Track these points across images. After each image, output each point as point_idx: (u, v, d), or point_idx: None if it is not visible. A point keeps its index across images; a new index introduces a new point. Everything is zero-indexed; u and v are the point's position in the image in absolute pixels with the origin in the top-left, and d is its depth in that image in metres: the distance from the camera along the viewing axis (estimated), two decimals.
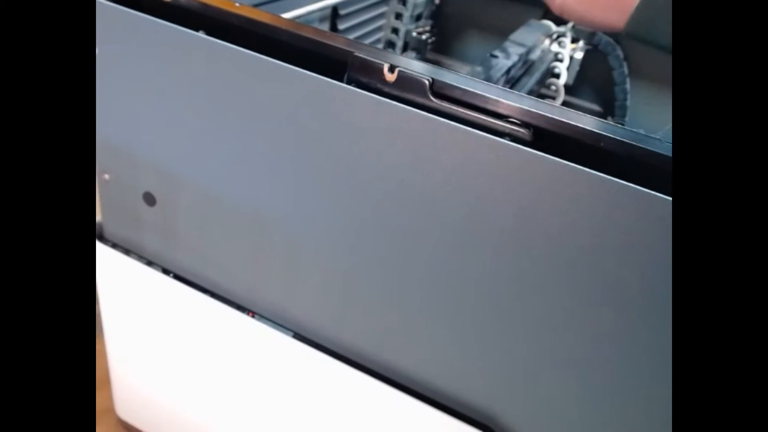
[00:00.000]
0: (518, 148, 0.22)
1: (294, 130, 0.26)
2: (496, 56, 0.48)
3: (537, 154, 0.22)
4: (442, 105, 0.23)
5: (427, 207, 0.24)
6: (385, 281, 0.27)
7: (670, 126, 0.22)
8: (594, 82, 0.74)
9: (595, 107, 0.76)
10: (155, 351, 0.39)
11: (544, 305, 0.24)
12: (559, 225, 0.22)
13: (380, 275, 0.27)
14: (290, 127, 0.26)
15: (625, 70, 0.63)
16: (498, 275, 0.24)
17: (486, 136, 0.22)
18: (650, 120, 0.72)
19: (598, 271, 0.23)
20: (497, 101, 0.22)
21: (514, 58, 0.48)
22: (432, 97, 0.23)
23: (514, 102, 0.22)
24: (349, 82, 0.24)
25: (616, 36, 0.58)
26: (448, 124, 0.23)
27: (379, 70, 0.23)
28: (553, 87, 0.45)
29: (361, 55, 0.24)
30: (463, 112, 0.23)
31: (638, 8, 0.30)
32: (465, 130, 0.22)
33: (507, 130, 0.22)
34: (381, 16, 0.62)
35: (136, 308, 0.37)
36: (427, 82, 0.23)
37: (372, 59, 0.23)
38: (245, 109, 0.26)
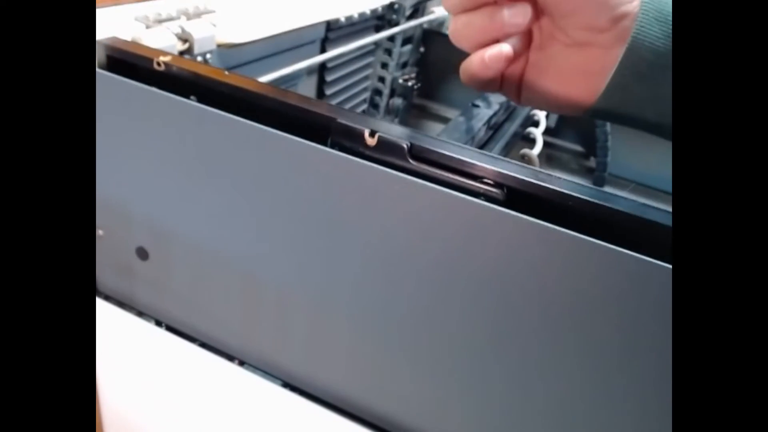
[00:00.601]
0: (491, 207, 0.23)
1: (280, 190, 0.27)
2: (477, 105, 0.50)
3: (509, 213, 0.23)
4: (420, 167, 0.24)
5: (407, 262, 0.25)
6: (368, 331, 0.28)
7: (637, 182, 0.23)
8: (576, 123, 0.76)
9: (578, 147, 0.78)
10: (148, 401, 0.39)
11: (518, 354, 0.25)
12: (532, 280, 0.24)
13: (363, 325, 0.28)
14: (277, 187, 0.27)
15: None
16: (476, 328, 0.26)
17: (461, 197, 0.24)
18: (630, 160, 0.74)
19: (570, 324, 0.24)
20: (471, 164, 0.24)
21: (495, 106, 0.50)
22: (410, 160, 0.24)
23: (487, 164, 0.24)
24: (332, 146, 0.25)
25: None
26: (426, 185, 0.24)
27: (360, 135, 0.25)
28: (531, 135, 0.46)
29: (342, 121, 0.25)
30: (440, 174, 0.24)
31: (607, 90, 0.30)
32: (441, 190, 0.24)
33: (481, 191, 0.24)
34: (368, 66, 0.64)
35: (128, 359, 0.38)
36: (405, 146, 0.24)
37: (353, 125, 0.25)
38: (234, 170, 0.28)
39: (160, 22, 0.36)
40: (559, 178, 0.24)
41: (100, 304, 0.36)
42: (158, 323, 0.36)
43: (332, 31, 0.52)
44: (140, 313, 0.36)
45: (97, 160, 0.32)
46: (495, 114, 0.50)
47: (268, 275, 0.30)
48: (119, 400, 0.41)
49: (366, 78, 0.65)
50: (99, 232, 0.34)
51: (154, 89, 0.28)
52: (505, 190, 0.24)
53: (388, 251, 0.26)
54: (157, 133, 0.29)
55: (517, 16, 0.30)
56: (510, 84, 0.33)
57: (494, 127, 0.52)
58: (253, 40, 0.41)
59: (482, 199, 0.24)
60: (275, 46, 0.45)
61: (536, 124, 0.48)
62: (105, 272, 0.36)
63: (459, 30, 0.31)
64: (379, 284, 0.27)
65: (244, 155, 0.27)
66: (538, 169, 0.24)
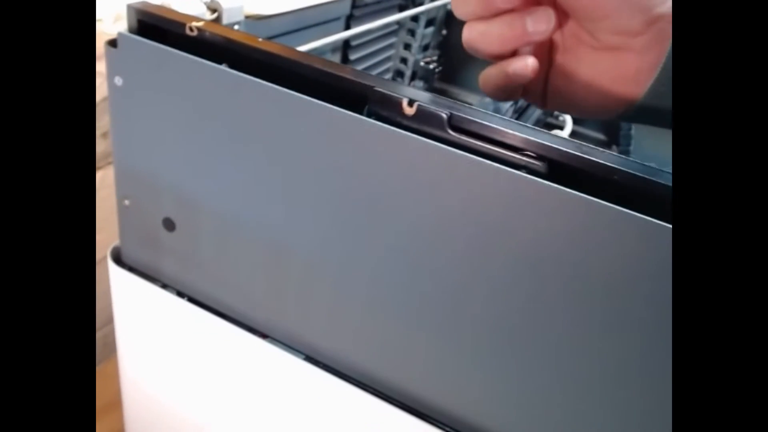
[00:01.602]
0: (533, 180, 0.23)
1: (313, 159, 0.26)
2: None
3: (552, 186, 0.22)
4: (459, 138, 0.24)
5: (442, 236, 0.25)
6: (397, 306, 0.28)
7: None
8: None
9: (600, 136, 0.77)
10: (168, 374, 0.39)
11: (557, 332, 0.25)
12: (574, 255, 0.23)
13: (393, 300, 0.28)
14: (309, 156, 0.26)
15: None
16: (512, 304, 0.25)
17: (502, 168, 0.23)
18: (654, 149, 0.73)
19: (612, 302, 0.23)
20: (513, 135, 0.23)
21: None
22: (450, 131, 0.24)
23: (529, 135, 0.23)
24: (368, 115, 0.25)
25: None
26: (465, 156, 0.23)
27: (398, 104, 0.24)
28: (561, 117, 0.46)
29: (380, 90, 0.25)
30: (480, 145, 0.24)
31: (648, 95, 0.27)
32: (481, 162, 0.23)
33: (523, 163, 0.23)
34: (390, 46, 0.64)
35: (150, 331, 0.38)
36: (444, 116, 0.24)
37: (391, 93, 0.24)
38: (266, 139, 0.27)
39: None
40: (604, 151, 0.23)
41: (124, 276, 0.36)
42: (180, 295, 0.35)
43: (357, 8, 0.52)
44: (164, 285, 0.36)
45: (120, 128, 0.31)
46: None
47: (297, 247, 0.29)
48: (140, 373, 0.41)
49: (388, 59, 0.64)
50: (125, 202, 0.33)
51: (185, 54, 0.27)
52: (548, 163, 0.23)
53: (423, 224, 0.25)
54: (187, 99, 0.28)
55: (540, 23, 0.28)
56: (534, 90, 0.31)
57: (519, 111, 0.51)
58: (281, 13, 0.40)
59: (524, 172, 0.23)
60: (301, 21, 0.44)
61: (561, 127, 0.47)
62: (130, 244, 0.35)
63: (475, 39, 0.29)
64: (412, 258, 0.26)
65: (276, 123, 0.26)
66: (580, 142, 0.24)
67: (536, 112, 0.52)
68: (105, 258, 0.64)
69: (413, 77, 0.68)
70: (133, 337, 0.39)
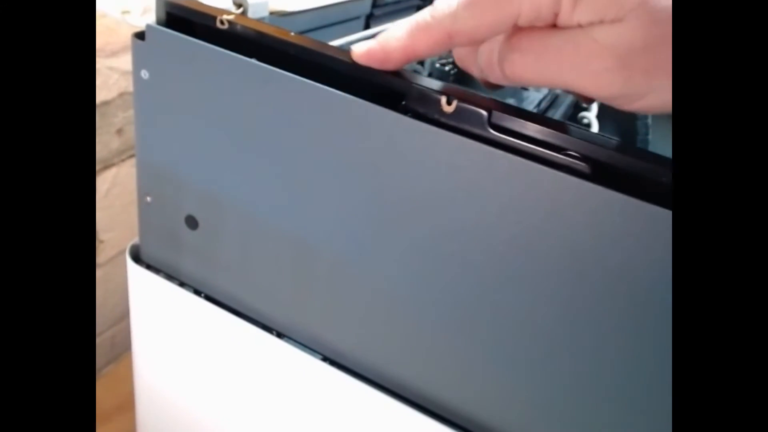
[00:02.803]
0: (576, 180, 0.22)
1: (346, 156, 0.26)
2: (526, 88, 0.49)
3: (595, 187, 0.22)
4: (499, 137, 0.23)
5: (480, 237, 0.24)
6: (430, 308, 0.27)
7: None
8: (615, 116, 0.74)
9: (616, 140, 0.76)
10: (183, 374, 0.39)
11: (597, 337, 0.24)
12: (617, 256, 0.22)
13: (426, 302, 0.27)
14: (342, 153, 0.26)
15: None
16: (551, 306, 0.24)
17: (544, 169, 0.22)
18: (670, 154, 0.72)
19: (657, 306, 0.22)
20: (555, 134, 0.23)
21: (544, 91, 0.48)
22: (490, 129, 0.23)
23: (572, 135, 0.22)
24: (405, 112, 0.24)
25: None
26: (506, 156, 0.23)
27: (437, 101, 0.24)
28: (585, 120, 0.45)
29: (418, 86, 0.24)
30: (521, 144, 0.23)
31: None
32: (523, 162, 0.23)
33: (565, 163, 0.23)
34: None
35: (167, 330, 0.37)
36: (484, 114, 0.23)
37: (429, 90, 0.24)
38: (296, 135, 0.26)
39: None
40: (648, 151, 0.23)
41: (142, 274, 0.35)
42: (197, 292, 0.34)
43: (378, 8, 0.51)
44: (182, 284, 0.35)
45: (142, 122, 0.31)
46: (544, 98, 0.48)
47: (325, 247, 0.28)
48: (154, 373, 0.40)
49: None
50: (147, 199, 0.33)
51: (216, 47, 0.26)
52: (591, 163, 0.22)
53: (459, 224, 0.24)
54: (216, 94, 0.28)
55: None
56: None
57: (542, 112, 0.50)
58: (304, 10, 0.40)
59: (566, 172, 0.22)
60: (323, 18, 0.44)
61: (586, 108, 0.46)
62: (149, 241, 0.35)
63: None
64: (447, 259, 0.25)
65: (308, 119, 0.26)
66: (624, 143, 0.23)
67: (556, 114, 0.51)
68: (116, 256, 0.64)
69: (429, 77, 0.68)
70: (150, 337, 0.38)
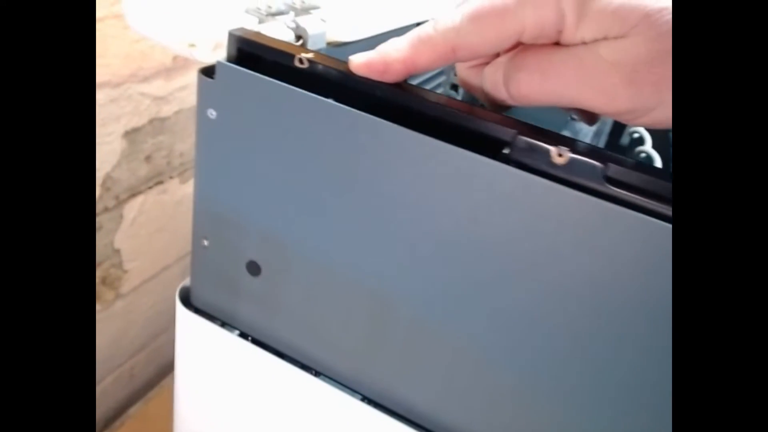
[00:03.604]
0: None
1: (436, 207, 0.24)
2: (575, 119, 0.47)
3: None
4: (616, 191, 0.21)
5: (595, 300, 0.22)
6: (527, 374, 0.25)
7: None
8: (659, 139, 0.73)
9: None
10: (228, 420, 0.36)
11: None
12: None
13: (525, 369, 0.25)
14: (433, 204, 0.24)
15: None
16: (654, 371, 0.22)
17: (666, 225, 0.21)
18: None
19: None
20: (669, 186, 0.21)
21: (597, 123, 0.47)
22: (606, 183, 0.21)
23: None
24: (508, 162, 0.22)
25: None
26: (625, 212, 0.21)
27: (546, 152, 0.22)
28: (643, 154, 0.43)
29: (525, 136, 0.22)
30: (639, 200, 0.21)
31: None
32: (642, 218, 0.21)
33: None
34: (440, 73, 0.62)
35: (215, 377, 0.35)
36: (600, 167, 0.21)
37: (538, 140, 0.22)
38: (381, 182, 0.25)
39: (273, 15, 0.33)
40: None
41: (192, 319, 0.33)
42: (254, 342, 0.32)
43: None
44: (223, 324, 0.33)
45: (204, 163, 0.29)
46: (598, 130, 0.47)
47: (404, 301, 0.27)
48: (195, 417, 0.38)
49: (439, 86, 0.62)
50: (204, 242, 0.31)
51: (298, 89, 0.25)
52: None
53: (572, 286, 0.23)
54: (288, 135, 0.26)
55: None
56: None
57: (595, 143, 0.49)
58: (360, 40, 0.38)
59: None
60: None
61: (641, 141, 0.45)
62: (202, 285, 0.33)
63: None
64: (555, 322, 0.24)
65: (398, 166, 0.24)
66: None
67: (599, 142, 0.49)
68: (139, 286, 0.61)
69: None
70: (196, 383, 0.36)
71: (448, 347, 0.27)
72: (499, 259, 0.24)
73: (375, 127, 0.24)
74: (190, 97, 0.55)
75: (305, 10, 0.36)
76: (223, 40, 0.27)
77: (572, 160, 0.22)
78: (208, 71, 0.27)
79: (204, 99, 0.27)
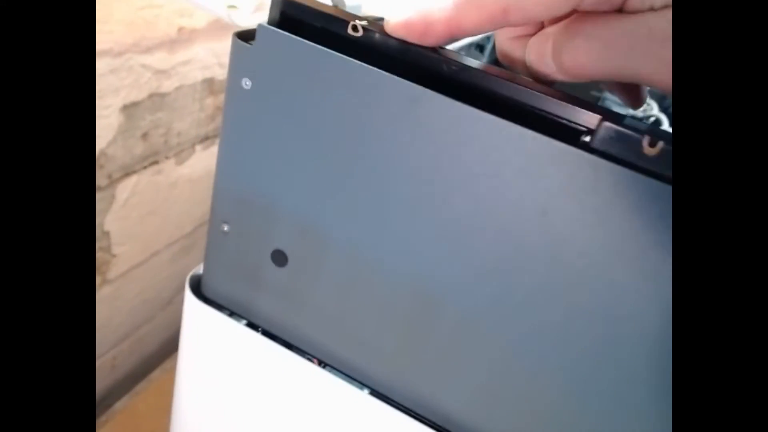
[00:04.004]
0: None
1: (504, 197, 0.22)
2: (610, 99, 0.45)
3: None
4: None
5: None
6: (579, 384, 0.23)
7: None
8: None
9: None
10: (232, 415, 0.34)
11: None
12: None
13: (583, 380, 0.23)
14: (499, 193, 0.22)
15: None
16: None
17: None
18: None
19: None
20: None
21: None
22: None
23: None
24: (591, 151, 0.20)
25: None
26: None
27: (637, 142, 0.20)
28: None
29: (613, 124, 0.20)
30: None
31: None
32: None
33: None
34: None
35: (224, 373, 0.32)
36: None
37: (629, 129, 0.20)
38: (440, 167, 0.22)
39: None
40: None
41: (203, 310, 0.30)
42: (254, 327, 0.30)
43: None
44: (250, 324, 0.30)
45: (239, 139, 0.26)
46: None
47: (453, 300, 0.24)
48: (195, 411, 0.35)
49: None
50: (224, 227, 0.28)
51: (355, 60, 0.22)
52: None
53: (661, 291, 0.20)
54: (338, 112, 0.23)
55: None
56: None
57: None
58: None
59: None
60: None
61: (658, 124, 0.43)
62: (218, 275, 0.30)
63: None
64: (642, 335, 0.21)
65: (461, 149, 0.22)
66: None
67: None
68: (127, 272, 0.58)
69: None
70: (202, 377, 0.33)
71: (494, 352, 0.24)
72: (574, 260, 0.21)
73: (444, 106, 0.21)
74: (192, 73, 0.52)
75: None
76: (265, 3, 0.24)
77: (665, 152, 0.19)
78: (244, 36, 0.24)
79: (238, 67, 0.24)
